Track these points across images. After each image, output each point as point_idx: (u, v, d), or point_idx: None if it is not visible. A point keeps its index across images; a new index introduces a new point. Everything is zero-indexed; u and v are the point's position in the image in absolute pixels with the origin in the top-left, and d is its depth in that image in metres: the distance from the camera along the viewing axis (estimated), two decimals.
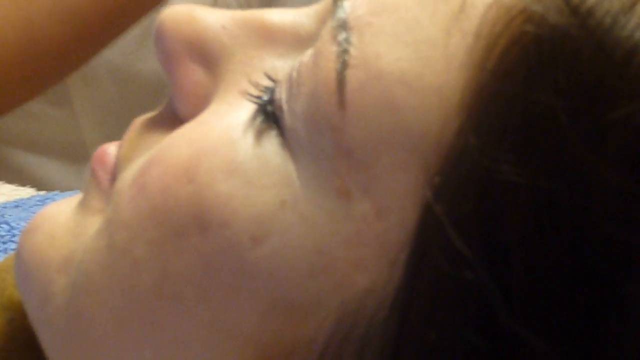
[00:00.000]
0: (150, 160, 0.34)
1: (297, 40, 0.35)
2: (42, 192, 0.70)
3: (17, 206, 0.62)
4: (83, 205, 0.37)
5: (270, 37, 0.35)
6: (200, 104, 0.35)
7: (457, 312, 0.29)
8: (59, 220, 0.37)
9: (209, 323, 0.32)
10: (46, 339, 0.37)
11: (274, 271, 0.31)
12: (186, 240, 0.32)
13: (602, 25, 0.28)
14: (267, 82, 0.34)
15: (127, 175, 0.35)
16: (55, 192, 0.68)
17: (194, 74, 0.35)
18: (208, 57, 0.35)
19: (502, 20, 0.29)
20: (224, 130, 0.33)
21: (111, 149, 0.38)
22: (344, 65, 0.31)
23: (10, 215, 0.59)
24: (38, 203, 0.63)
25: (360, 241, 0.30)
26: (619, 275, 0.27)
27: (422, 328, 0.29)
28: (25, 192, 0.73)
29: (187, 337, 0.32)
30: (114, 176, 0.36)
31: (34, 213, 0.59)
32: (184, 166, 0.32)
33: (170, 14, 0.35)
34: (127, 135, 0.37)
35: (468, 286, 0.28)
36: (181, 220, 0.32)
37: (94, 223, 0.36)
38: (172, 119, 0.36)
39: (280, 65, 0.34)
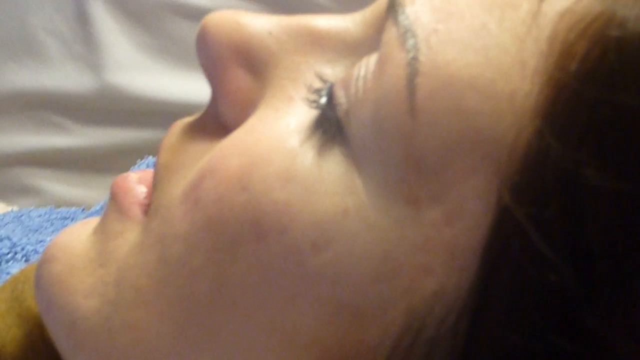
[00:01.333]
0: (202, 172, 0.33)
1: (344, 47, 0.34)
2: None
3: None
4: (102, 232, 0.36)
5: (317, 43, 0.35)
6: (246, 109, 0.35)
7: (541, 315, 0.29)
8: (77, 250, 0.36)
9: (269, 327, 0.32)
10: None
11: (338, 277, 0.31)
12: (243, 248, 0.32)
13: None
14: (319, 85, 0.34)
15: (174, 189, 0.34)
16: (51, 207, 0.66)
17: (240, 80, 0.35)
18: (255, 62, 0.35)
19: (579, 26, 0.29)
20: (275, 137, 0.32)
21: (133, 177, 0.37)
22: (414, 73, 0.30)
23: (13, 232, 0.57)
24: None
25: (429, 247, 0.30)
26: None
27: (500, 331, 0.29)
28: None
29: (246, 342, 0.32)
30: (142, 202, 0.36)
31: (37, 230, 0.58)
32: (237, 176, 0.32)
33: (215, 19, 0.35)
34: (166, 141, 0.37)
35: (552, 289, 0.28)
36: (237, 228, 0.32)
37: (120, 245, 0.35)
38: (215, 124, 0.36)
39: (328, 72, 0.34)
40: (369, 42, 0.34)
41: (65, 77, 0.95)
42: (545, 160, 0.29)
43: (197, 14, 0.95)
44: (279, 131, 0.33)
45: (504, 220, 0.29)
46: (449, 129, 0.30)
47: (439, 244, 0.30)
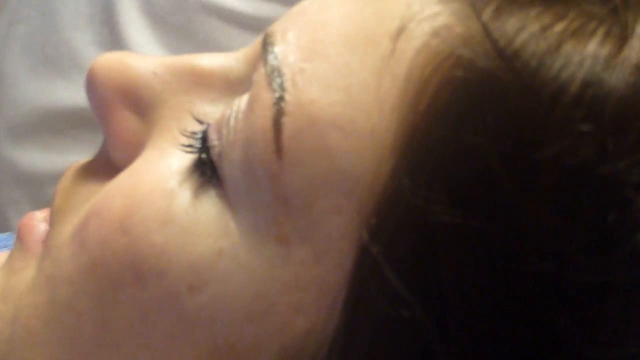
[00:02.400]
0: (88, 214, 0.34)
1: (227, 85, 0.35)
2: None
3: None
4: (7, 267, 0.37)
5: (201, 82, 0.35)
6: (134, 150, 0.35)
7: (395, 351, 0.29)
8: None
9: None
10: None
11: (213, 318, 0.31)
12: (124, 291, 0.32)
13: (528, 66, 0.28)
14: (197, 127, 0.34)
15: (66, 230, 0.35)
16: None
17: (126, 121, 0.35)
18: (140, 103, 0.35)
19: (432, 64, 0.30)
20: (157, 179, 0.33)
21: (38, 215, 0.38)
22: (279, 113, 0.31)
23: None
24: None
25: (299, 285, 0.31)
26: (553, 309, 0.28)
27: None
28: None
29: None
30: (42, 238, 0.36)
31: None
32: (118, 218, 0.33)
33: (102, 61, 0.36)
34: (61, 184, 0.37)
35: (405, 325, 0.29)
36: (118, 271, 0.32)
37: (19, 281, 0.36)
38: (107, 165, 0.36)
39: (211, 110, 0.35)
40: (249, 80, 0.34)
41: None
42: (398, 198, 0.29)
43: (237, 20, 0.95)
44: (161, 173, 0.33)
45: (363, 258, 0.30)
46: (314, 167, 0.30)
47: (309, 282, 0.31)
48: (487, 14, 0.30)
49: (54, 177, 0.97)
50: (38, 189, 0.97)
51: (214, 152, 0.33)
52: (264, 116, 0.31)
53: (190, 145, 0.33)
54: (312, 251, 0.30)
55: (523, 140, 0.28)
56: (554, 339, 0.28)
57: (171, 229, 0.32)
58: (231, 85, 0.35)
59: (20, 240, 0.37)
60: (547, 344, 0.28)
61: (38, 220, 0.37)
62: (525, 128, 0.28)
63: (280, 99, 0.31)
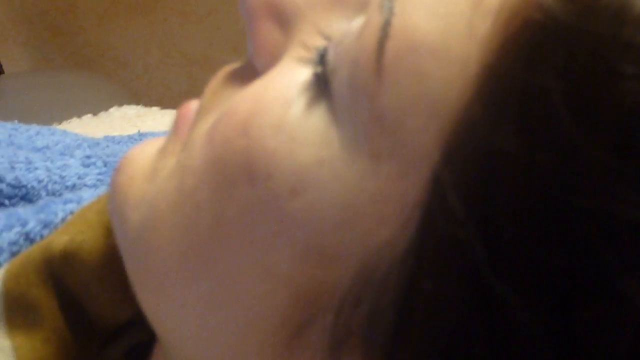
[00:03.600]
0: (221, 114, 0.37)
1: (362, 4, 0.37)
2: None
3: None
4: (161, 150, 0.41)
5: (339, 0, 0.37)
6: (273, 60, 0.38)
7: (448, 267, 0.31)
8: (140, 163, 0.41)
9: (254, 262, 0.35)
10: (126, 266, 0.41)
11: (308, 222, 0.34)
12: (237, 188, 0.35)
13: (604, 14, 0.29)
14: (321, 42, 0.36)
15: (203, 126, 0.38)
16: None
17: (269, 32, 0.38)
18: (283, 17, 0.38)
19: (518, 3, 0.31)
20: (281, 89, 0.36)
21: (194, 104, 0.41)
22: (384, 36, 0.33)
23: None
24: None
25: (384, 199, 0.33)
26: (600, 246, 0.29)
27: (422, 280, 0.32)
28: None
29: (236, 274, 0.36)
30: (192, 126, 0.40)
31: None
32: (242, 120, 0.36)
33: None
34: (210, 85, 0.41)
35: (460, 246, 0.31)
36: (234, 170, 0.35)
37: (166, 165, 0.40)
38: (252, 72, 0.39)
39: (337, 28, 0.37)
40: None
41: None
42: (471, 124, 0.31)
43: None
44: (287, 82, 0.36)
45: (435, 178, 0.32)
46: (407, 89, 0.32)
47: (392, 197, 0.33)
48: None
49: None
50: None
51: (330, 67, 0.35)
52: (371, 38, 0.33)
53: (312, 59, 0.36)
54: (398, 167, 0.33)
55: (586, 82, 0.29)
56: (597, 272, 0.29)
57: (282, 135, 0.35)
58: (364, 4, 0.37)
59: (176, 125, 0.41)
60: (590, 277, 0.29)
61: (192, 109, 0.41)
62: (590, 71, 0.29)
63: (388, 22, 0.33)
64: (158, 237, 0.38)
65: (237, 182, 0.35)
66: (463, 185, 0.31)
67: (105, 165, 0.57)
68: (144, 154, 0.42)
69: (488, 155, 0.30)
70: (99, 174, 0.57)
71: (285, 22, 0.38)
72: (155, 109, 0.80)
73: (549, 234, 0.30)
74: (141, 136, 0.70)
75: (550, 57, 0.30)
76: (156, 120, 0.77)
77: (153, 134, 0.72)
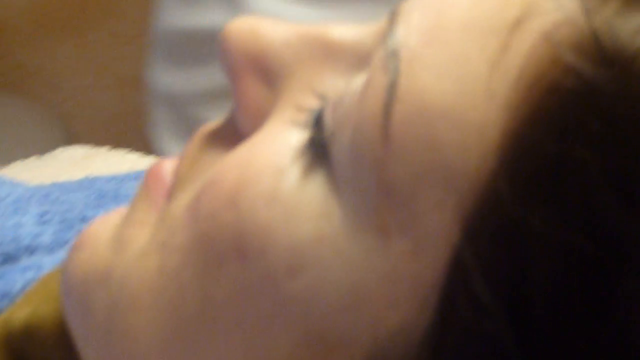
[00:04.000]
0: (205, 184, 0.34)
1: (357, 59, 0.34)
2: None
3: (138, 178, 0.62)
4: (129, 216, 0.37)
5: (331, 55, 0.34)
6: (259, 120, 0.35)
7: None
8: (102, 235, 0.38)
9: (245, 348, 0.32)
10: (87, 351, 0.37)
11: (308, 304, 0.31)
12: (226, 267, 0.32)
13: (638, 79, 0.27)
14: (316, 103, 0.33)
15: (184, 197, 0.35)
16: None
17: (254, 90, 0.35)
18: (269, 73, 0.35)
19: (542, 66, 0.28)
20: (272, 155, 0.33)
21: (168, 165, 0.38)
22: (391, 98, 0.30)
23: (129, 188, 0.58)
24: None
25: (396, 279, 0.30)
26: None
27: None
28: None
29: None
30: (169, 195, 0.36)
31: None
32: (230, 192, 0.33)
33: (235, 27, 0.35)
34: (188, 150, 0.37)
35: (488, 337, 0.28)
36: (223, 247, 0.32)
37: (136, 237, 0.36)
38: (233, 133, 0.36)
39: (333, 85, 0.34)
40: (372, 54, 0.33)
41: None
42: (496, 201, 0.28)
43: None
44: (277, 148, 0.33)
45: (456, 260, 0.29)
46: (420, 158, 0.30)
47: (404, 277, 0.30)
48: (610, 9, 0.28)
49: (197, 97, 1.01)
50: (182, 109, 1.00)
51: (327, 131, 0.32)
52: (376, 100, 0.30)
53: (305, 122, 0.33)
54: (411, 245, 0.30)
55: (627, 156, 0.27)
56: None
57: (276, 207, 0.32)
58: (360, 60, 0.34)
59: (147, 189, 0.37)
60: None
61: (167, 172, 0.37)
62: (630, 143, 0.27)
63: (394, 83, 0.30)
64: (135, 321, 0.35)
65: (226, 260, 0.32)
66: (489, 268, 0.28)
67: (62, 221, 0.54)
68: (106, 225, 0.38)
69: (517, 235, 0.28)
70: (55, 232, 0.53)
71: (271, 78, 0.35)
72: (104, 149, 0.77)
73: (591, 325, 0.27)
74: (91, 182, 0.66)
75: (585, 127, 0.27)
76: (106, 161, 0.74)
77: (102, 179, 0.68)
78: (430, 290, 0.30)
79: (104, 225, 0.38)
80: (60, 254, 0.49)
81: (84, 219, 0.52)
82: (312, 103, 0.34)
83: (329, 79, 0.34)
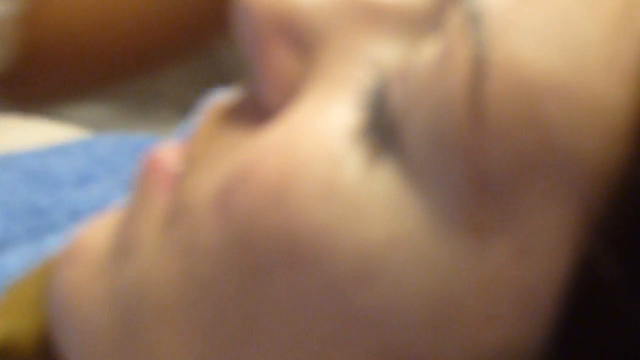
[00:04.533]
0: (234, 175, 0.28)
1: (406, 23, 0.28)
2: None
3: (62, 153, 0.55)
4: (127, 218, 0.31)
5: (374, 18, 0.29)
6: (290, 94, 0.29)
7: None
8: (100, 247, 0.31)
9: None
10: None
11: (384, 320, 0.26)
12: (275, 277, 0.27)
13: None
14: (371, 76, 0.28)
15: (205, 187, 0.29)
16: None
17: (284, 60, 0.29)
18: (301, 39, 0.29)
19: None
20: (321, 139, 0.27)
21: (168, 155, 0.31)
22: (480, 72, 0.25)
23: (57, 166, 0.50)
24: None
25: (496, 289, 0.25)
26: None
27: None
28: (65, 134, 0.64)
29: None
30: (177, 185, 0.31)
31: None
32: (273, 186, 0.27)
33: None
34: (201, 128, 0.31)
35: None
36: (269, 252, 0.27)
37: (144, 234, 0.30)
38: (254, 108, 0.30)
39: (386, 54, 0.28)
40: (434, 18, 0.28)
41: None
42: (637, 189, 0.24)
43: None
44: (326, 131, 0.27)
45: (589, 267, 0.24)
46: (523, 142, 0.25)
47: (507, 286, 0.25)
48: None
49: None
50: None
51: (396, 112, 0.27)
52: (460, 75, 0.25)
53: (366, 99, 0.27)
54: (515, 247, 0.25)
55: None
56: None
57: (336, 205, 0.26)
58: (411, 23, 0.28)
59: (147, 184, 0.31)
60: None
61: (169, 162, 0.31)
62: None
63: (482, 55, 0.25)
64: (163, 337, 0.29)
65: (274, 269, 0.27)
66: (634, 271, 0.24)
67: (6, 210, 0.46)
68: (99, 232, 0.32)
69: None
70: (3, 222, 0.46)
71: (303, 46, 0.29)
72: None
73: None
74: (12, 160, 0.58)
75: None
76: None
77: (24, 155, 0.59)
78: (542, 301, 0.25)
79: (96, 232, 0.32)
80: (27, 251, 0.43)
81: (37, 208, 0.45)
82: (363, 76, 0.28)
83: (377, 47, 0.28)
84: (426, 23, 0.28)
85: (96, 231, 0.32)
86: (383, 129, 0.27)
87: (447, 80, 0.26)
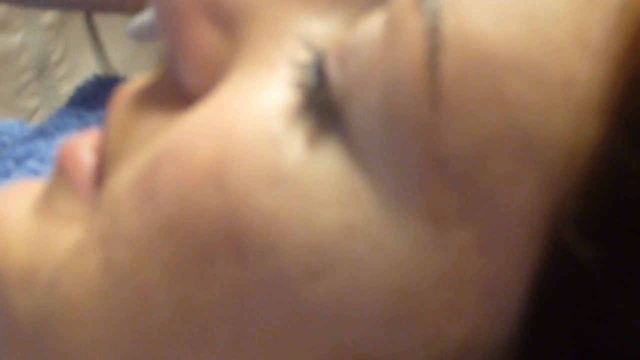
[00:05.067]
0: (158, 156, 0.26)
1: None
2: None
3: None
4: (48, 208, 0.29)
5: None
6: (214, 74, 0.27)
7: None
8: (14, 225, 0.29)
9: None
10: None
11: (338, 315, 0.24)
12: (217, 266, 0.24)
13: None
14: (306, 54, 0.26)
15: (125, 175, 0.27)
16: None
17: (207, 37, 0.27)
18: (224, 15, 0.27)
19: None
20: (257, 119, 0.25)
21: (83, 143, 0.29)
22: (435, 47, 0.23)
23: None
24: None
25: (457, 280, 0.23)
26: None
27: None
28: None
29: None
30: (96, 179, 0.28)
31: None
32: (208, 167, 0.25)
33: None
34: (113, 115, 0.29)
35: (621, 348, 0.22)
36: (209, 239, 0.24)
37: (66, 234, 0.28)
38: (172, 91, 0.28)
39: (319, 28, 0.26)
40: None
41: None
42: (620, 179, 0.22)
43: None
44: (261, 110, 0.25)
45: (558, 256, 0.23)
46: (483, 122, 0.23)
47: (470, 277, 0.24)
48: None
49: None
50: None
51: (337, 90, 0.24)
52: (414, 50, 0.23)
53: (301, 79, 0.25)
54: (476, 235, 0.23)
55: None
56: None
57: (283, 189, 0.24)
58: None
59: (65, 176, 0.29)
60: None
61: (85, 151, 0.29)
62: None
63: (436, 27, 0.23)
64: (74, 335, 0.27)
65: (214, 257, 0.24)
66: (624, 275, 0.22)
67: None
68: (16, 213, 0.29)
69: None
70: None
71: (227, 21, 0.27)
72: None
73: None
74: None
75: None
76: None
77: None
78: (508, 290, 0.24)
79: (11, 209, 0.29)
80: None
81: None
82: (294, 53, 0.26)
83: (307, 21, 0.26)
84: None
85: (8, 208, 0.30)
86: (322, 108, 0.25)
87: (397, 54, 0.23)
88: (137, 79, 0.30)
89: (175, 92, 0.28)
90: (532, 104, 0.23)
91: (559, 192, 0.23)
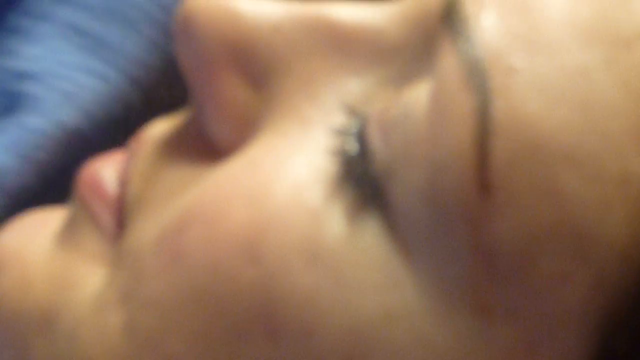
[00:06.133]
0: (186, 213, 0.24)
1: (378, 53, 0.25)
2: None
3: None
4: (71, 242, 0.28)
5: (341, 45, 0.25)
6: (244, 128, 0.26)
7: None
8: (35, 261, 0.28)
9: None
10: None
11: None
12: (250, 345, 0.23)
13: None
14: (345, 117, 0.24)
15: (149, 229, 0.25)
16: None
17: (237, 90, 0.26)
18: (256, 68, 0.26)
19: None
20: (296, 187, 0.24)
21: (107, 172, 0.28)
22: (485, 129, 0.22)
23: None
24: None
25: None
26: None
27: None
28: None
29: None
30: (119, 216, 0.27)
31: None
32: (241, 235, 0.23)
33: (203, 5, 0.25)
34: (138, 159, 0.27)
35: None
36: (243, 316, 0.23)
37: (89, 275, 0.27)
38: (200, 143, 0.27)
39: (357, 89, 0.25)
40: (412, 50, 0.24)
41: None
42: None
43: None
44: (295, 175, 0.24)
45: (603, 351, 0.22)
46: (536, 216, 0.22)
47: None
48: None
49: None
50: None
51: (379, 163, 0.23)
52: (463, 131, 0.22)
53: (341, 148, 0.24)
54: (524, 332, 0.22)
55: None
56: None
57: (322, 268, 0.23)
58: (384, 53, 0.25)
59: (89, 210, 0.27)
60: None
61: (108, 181, 0.28)
62: None
63: (486, 109, 0.22)
64: None
65: (246, 335, 0.23)
66: None
67: None
68: (36, 246, 0.28)
69: None
70: None
71: (259, 75, 0.26)
72: None
73: None
74: None
75: None
76: None
77: None
78: None
79: (30, 242, 0.28)
80: None
81: None
82: (331, 114, 0.25)
83: (344, 79, 0.25)
84: (401, 55, 0.25)
85: (28, 241, 0.29)
86: (362, 180, 0.24)
87: (445, 133, 0.22)
88: (161, 123, 0.28)
89: (202, 142, 0.27)
90: (587, 200, 0.22)
91: (612, 294, 0.22)
